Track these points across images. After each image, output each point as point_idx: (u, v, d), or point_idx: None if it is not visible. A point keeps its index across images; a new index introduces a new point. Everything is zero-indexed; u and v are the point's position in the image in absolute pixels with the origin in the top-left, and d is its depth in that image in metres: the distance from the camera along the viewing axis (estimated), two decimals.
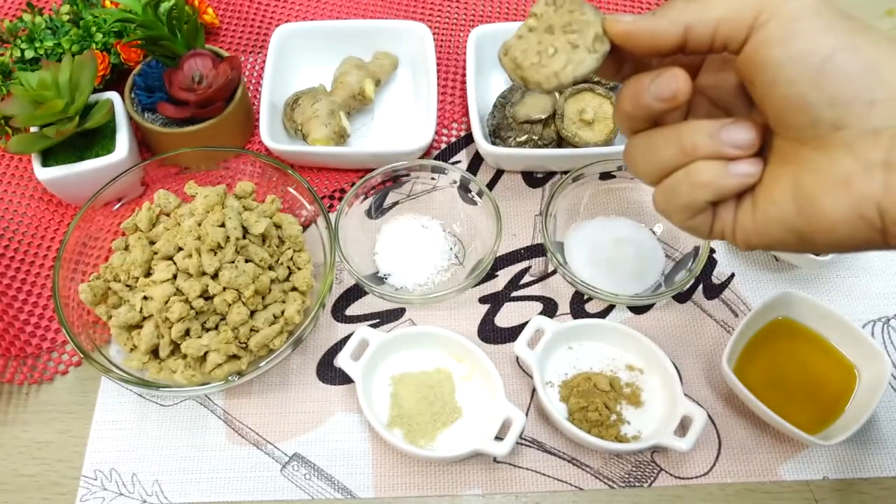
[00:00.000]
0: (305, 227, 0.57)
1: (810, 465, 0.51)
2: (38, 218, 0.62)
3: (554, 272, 0.60)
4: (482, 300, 0.58)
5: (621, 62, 0.38)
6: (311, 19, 0.76)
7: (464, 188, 0.61)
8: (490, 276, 0.60)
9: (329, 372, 0.55)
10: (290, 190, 0.58)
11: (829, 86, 0.31)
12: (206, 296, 0.50)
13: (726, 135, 0.34)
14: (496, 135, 0.64)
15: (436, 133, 0.63)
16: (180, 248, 0.51)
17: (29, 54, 0.65)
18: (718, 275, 0.60)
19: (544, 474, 0.51)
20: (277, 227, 0.56)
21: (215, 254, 0.50)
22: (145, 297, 0.50)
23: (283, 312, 0.52)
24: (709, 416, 0.52)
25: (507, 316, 0.58)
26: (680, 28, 0.33)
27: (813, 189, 0.32)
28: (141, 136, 0.65)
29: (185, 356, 0.50)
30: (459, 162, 0.66)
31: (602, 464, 0.51)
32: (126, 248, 0.54)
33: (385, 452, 0.52)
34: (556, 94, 0.63)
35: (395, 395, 0.53)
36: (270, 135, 0.62)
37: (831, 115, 0.31)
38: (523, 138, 0.63)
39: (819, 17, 0.32)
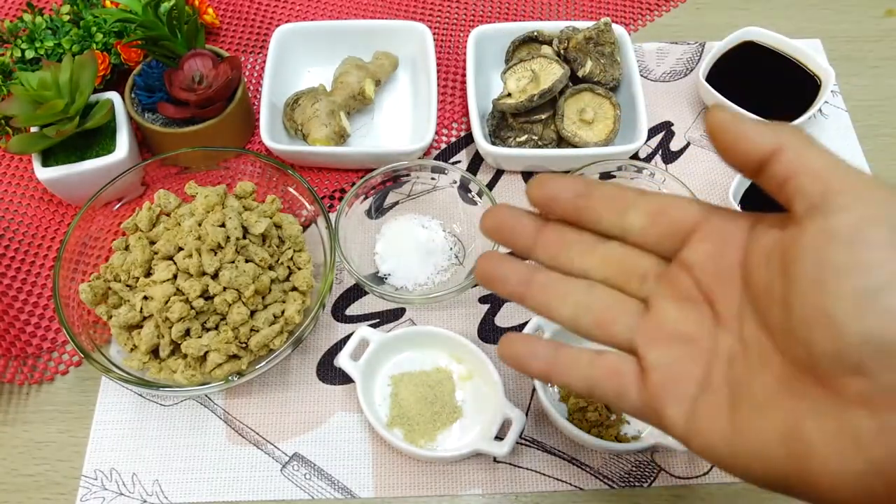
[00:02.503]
0: (305, 227, 0.57)
1: None
2: (39, 218, 0.62)
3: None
4: (482, 300, 0.58)
5: None
6: (311, 19, 0.76)
7: (464, 188, 0.61)
8: None
9: (329, 372, 0.55)
10: (290, 190, 0.58)
11: (870, 318, 0.25)
12: (206, 296, 0.50)
13: None
14: (496, 135, 0.64)
15: (436, 133, 0.64)
16: (180, 248, 0.51)
17: (29, 54, 0.65)
18: None
19: (544, 474, 0.51)
20: (277, 227, 0.56)
21: (215, 254, 0.50)
22: (145, 297, 0.50)
23: (283, 312, 0.52)
24: None
25: (507, 316, 0.58)
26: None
27: (813, 437, 0.27)
28: (141, 136, 0.65)
29: (185, 356, 0.50)
30: (459, 162, 0.66)
31: (602, 464, 0.51)
32: (126, 248, 0.54)
33: (385, 452, 0.52)
34: (557, 95, 0.63)
35: (395, 395, 0.53)
36: (270, 135, 0.62)
37: (858, 355, 0.26)
38: (523, 138, 0.63)
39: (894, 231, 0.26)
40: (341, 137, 0.64)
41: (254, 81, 0.71)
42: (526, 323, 0.54)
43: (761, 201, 0.61)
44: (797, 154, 0.29)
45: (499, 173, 0.65)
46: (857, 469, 0.26)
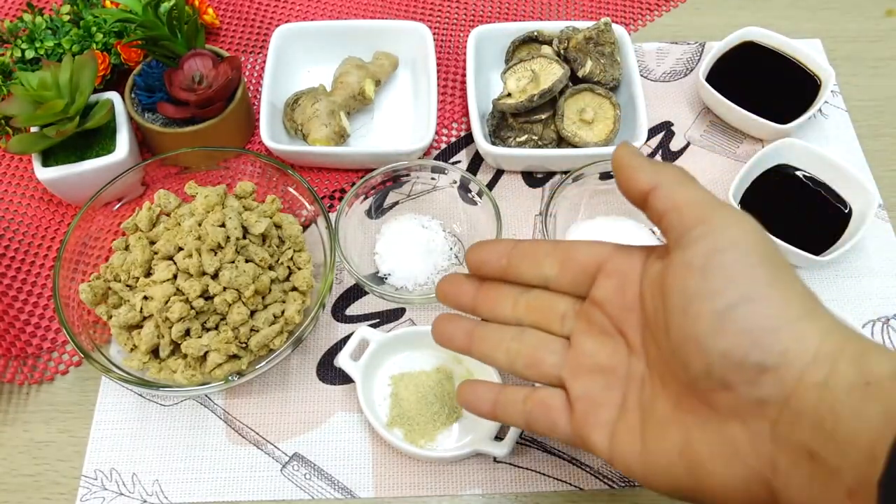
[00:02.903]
0: (305, 227, 0.57)
1: None
2: (39, 218, 0.62)
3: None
4: None
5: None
6: (311, 19, 0.76)
7: (464, 188, 0.61)
8: None
9: (329, 372, 0.55)
10: (290, 190, 0.58)
11: (725, 337, 0.28)
12: (206, 296, 0.50)
13: None
14: (496, 135, 0.64)
15: (436, 133, 0.64)
16: (180, 248, 0.51)
17: (29, 54, 0.65)
18: None
19: (544, 474, 0.51)
20: (277, 227, 0.56)
21: (215, 254, 0.50)
22: (145, 297, 0.50)
23: (283, 312, 0.52)
24: None
25: None
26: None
27: (701, 450, 0.30)
28: (141, 136, 0.65)
29: (185, 356, 0.50)
30: (459, 162, 0.66)
31: (602, 464, 0.51)
32: (126, 248, 0.54)
33: (385, 452, 0.52)
34: (557, 95, 0.63)
35: (395, 395, 0.53)
36: (270, 135, 0.62)
37: (721, 371, 0.28)
38: (523, 138, 0.63)
39: (748, 256, 0.29)
40: (341, 137, 0.64)
41: (254, 81, 0.71)
42: None
43: (762, 201, 0.61)
44: (669, 191, 0.33)
45: (499, 173, 0.65)
46: (740, 475, 0.28)
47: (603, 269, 0.37)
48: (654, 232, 0.60)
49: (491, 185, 0.65)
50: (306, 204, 0.57)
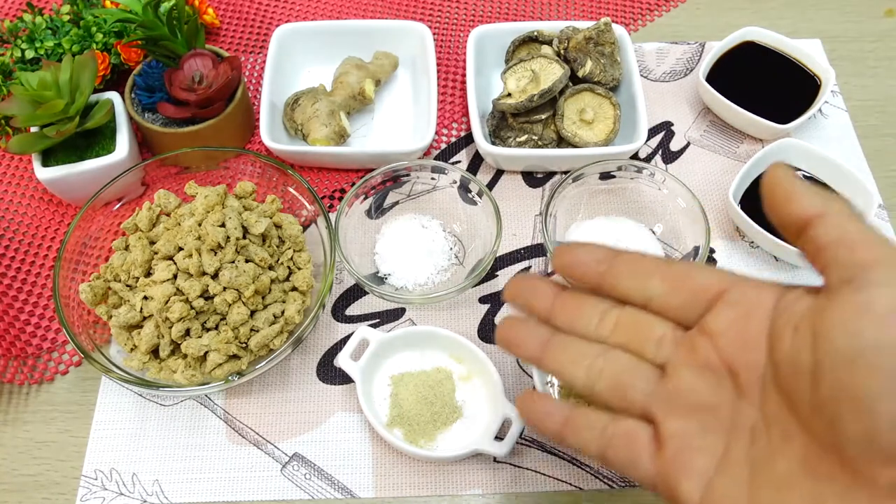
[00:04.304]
0: (305, 227, 0.57)
1: None
2: (39, 218, 0.62)
3: (554, 272, 0.60)
4: (482, 300, 0.58)
5: None
6: (311, 19, 0.76)
7: (464, 188, 0.61)
8: (490, 276, 0.60)
9: (329, 372, 0.55)
10: (290, 190, 0.58)
11: None
12: (206, 296, 0.50)
13: None
14: (496, 135, 0.64)
15: (436, 133, 0.64)
16: (180, 248, 0.51)
17: (29, 54, 0.65)
18: None
19: (544, 474, 0.51)
20: (277, 227, 0.56)
21: (215, 254, 0.50)
22: (145, 297, 0.50)
23: (283, 312, 0.52)
24: None
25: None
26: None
27: None
28: (141, 136, 0.65)
29: (185, 356, 0.50)
30: (459, 162, 0.66)
31: (602, 464, 0.51)
32: (126, 248, 0.54)
33: (385, 452, 0.52)
34: (557, 95, 0.63)
35: (395, 395, 0.53)
36: (270, 135, 0.62)
37: (892, 441, 0.24)
38: (523, 138, 0.63)
39: None
40: (341, 137, 0.64)
41: (254, 81, 0.71)
42: None
43: (762, 202, 0.60)
44: (837, 223, 0.29)
45: (499, 173, 0.65)
46: None
47: (724, 298, 0.32)
48: (653, 232, 0.61)
49: (491, 185, 0.65)
50: (306, 204, 0.57)
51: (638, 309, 0.35)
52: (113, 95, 0.62)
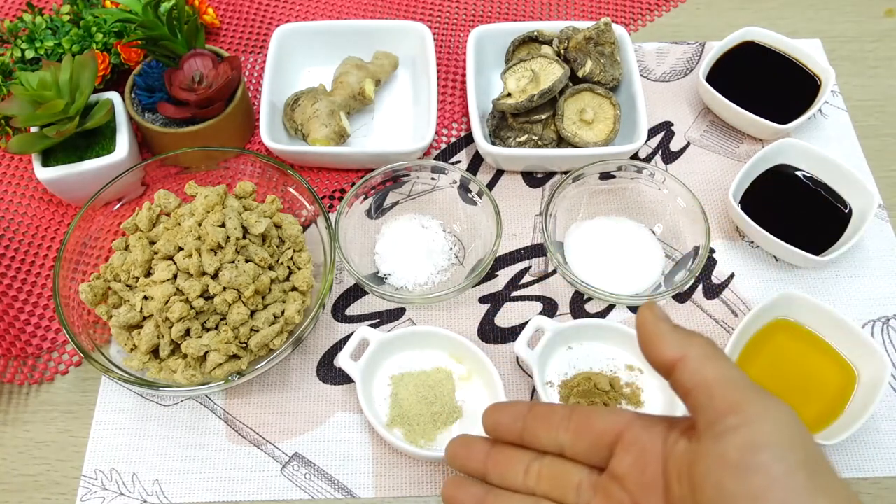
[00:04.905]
0: (305, 227, 0.57)
1: None
2: (39, 218, 0.62)
3: (554, 272, 0.60)
4: (482, 300, 0.58)
5: None
6: (311, 19, 0.76)
7: (464, 188, 0.61)
8: (490, 276, 0.60)
9: (329, 372, 0.55)
10: (290, 190, 0.58)
11: None
12: (206, 296, 0.50)
13: None
14: (496, 135, 0.64)
15: (436, 133, 0.64)
16: (180, 248, 0.51)
17: (29, 54, 0.65)
18: (718, 275, 0.60)
19: None
20: (277, 227, 0.56)
21: (215, 254, 0.50)
22: (145, 297, 0.50)
23: (283, 312, 0.52)
24: None
25: (506, 316, 0.58)
26: None
27: None
28: (141, 136, 0.65)
29: (185, 356, 0.50)
30: (459, 162, 0.66)
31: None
32: (126, 248, 0.54)
33: (385, 452, 0.52)
34: (557, 95, 0.63)
35: (395, 395, 0.53)
36: (270, 135, 0.62)
37: None
38: (523, 138, 0.63)
39: (787, 456, 0.28)
40: (341, 137, 0.64)
41: (254, 81, 0.71)
42: (526, 323, 0.54)
43: (762, 201, 0.61)
44: (698, 365, 0.31)
45: (499, 173, 0.65)
46: None
47: (621, 441, 0.35)
48: (653, 232, 0.61)
49: (491, 185, 0.65)
50: (306, 204, 0.57)
51: (556, 457, 0.38)
52: (113, 95, 0.62)
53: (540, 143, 0.63)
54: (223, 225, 0.51)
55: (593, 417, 0.37)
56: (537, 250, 0.61)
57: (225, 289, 0.50)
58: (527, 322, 0.54)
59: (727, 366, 0.31)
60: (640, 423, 0.35)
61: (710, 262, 0.60)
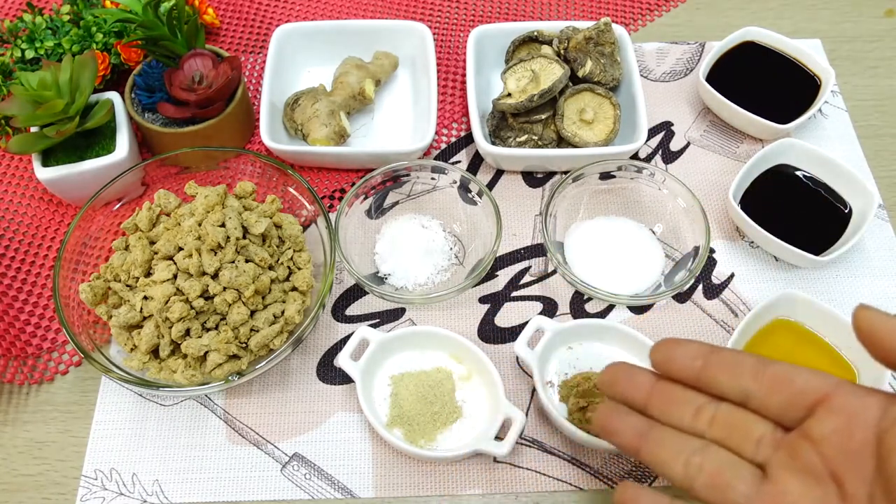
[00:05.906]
0: (305, 227, 0.57)
1: None
2: (39, 218, 0.62)
3: (554, 272, 0.60)
4: (482, 300, 0.58)
5: None
6: (311, 19, 0.76)
7: (464, 188, 0.61)
8: (490, 276, 0.60)
9: (329, 372, 0.55)
10: (290, 190, 0.58)
11: None
12: (206, 296, 0.50)
13: None
14: (496, 135, 0.64)
15: (436, 133, 0.64)
16: (180, 248, 0.51)
17: (29, 54, 0.65)
18: (718, 275, 0.60)
19: (544, 474, 0.51)
20: (277, 227, 0.56)
21: (215, 254, 0.50)
22: (145, 297, 0.50)
23: (283, 312, 0.52)
24: None
25: (506, 316, 0.58)
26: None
27: None
28: (141, 136, 0.65)
29: (185, 356, 0.50)
30: (459, 162, 0.66)
31: (602, 464, 0.51)
32: (126, 248, 0.54)
33: (385, 452, 0.52)
34: (557, 95, 0.63)
35: (395, 395, 0.53)
36: (270, 135, 0.62)
37: None
38: (523, 138, 0.63)
39: None
40: (341, 137, 0.64)
41: (254, 81, 0.71)
42: (525, 323, 0.54)
43: (762, 201, 0.61)
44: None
45: (499, 173, 0.65)
46: None
47: (825, 403, 0.33)
48: (654, 232, 0.61)
49: (491, 185, 0.65)
50: (306, 204, 0.57)
51: (735, 406, 0.35)
52: (113, 95, 0.62)
53: (540, 143, 0.63)
54: (223, 225, 0.51)
55: (794, 374, 0.34)
56: (537, 250, 0.61)
57: (225, 289, 0.50)
58: (527, 322, 0.54)
59: None
60: (851, 389, 0.33)
61: (710, 262, 0.60)
